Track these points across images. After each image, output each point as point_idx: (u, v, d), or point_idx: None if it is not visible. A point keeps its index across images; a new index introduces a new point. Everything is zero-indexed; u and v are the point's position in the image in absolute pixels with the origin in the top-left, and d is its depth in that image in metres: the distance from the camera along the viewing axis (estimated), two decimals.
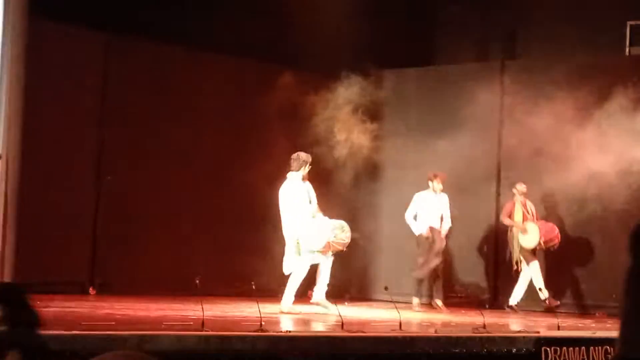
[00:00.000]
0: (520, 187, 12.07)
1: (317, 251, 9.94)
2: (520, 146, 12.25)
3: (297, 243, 10.01)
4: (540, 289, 11.56)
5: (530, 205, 12.14)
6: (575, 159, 11.84)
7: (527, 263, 11.88)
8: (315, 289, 10.06)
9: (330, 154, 13.29)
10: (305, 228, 10.00)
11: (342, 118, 13.67)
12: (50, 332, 6.09)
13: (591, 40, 12.51)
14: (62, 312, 8.65)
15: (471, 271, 13.04)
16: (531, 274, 11.84)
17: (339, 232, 9.99)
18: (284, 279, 12.23)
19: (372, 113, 14.03)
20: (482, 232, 13.04)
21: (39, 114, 10.73)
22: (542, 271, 11.86)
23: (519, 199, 12.08)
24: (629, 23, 12.38)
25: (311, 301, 10.07)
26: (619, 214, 11.39)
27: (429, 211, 11.92)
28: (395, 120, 13.85)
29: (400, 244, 13.56)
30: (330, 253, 10.05)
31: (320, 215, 10.24)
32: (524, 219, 11.96)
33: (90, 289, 11.43)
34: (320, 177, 12.84)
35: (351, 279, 13.26)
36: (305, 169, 10.31)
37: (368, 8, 12.53)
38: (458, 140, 12.69)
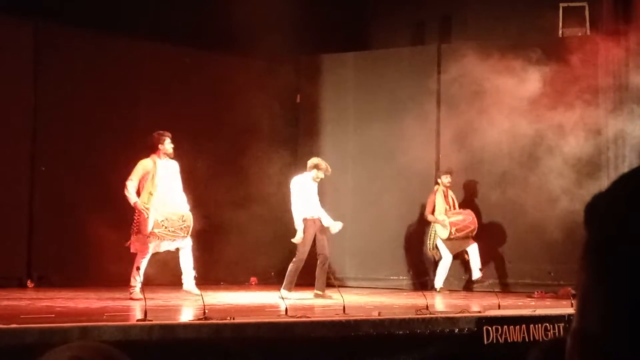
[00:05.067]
0: (445, 179, 12.25)
1: (147, 237, 9.57)
2: (458, 128, 12.37)
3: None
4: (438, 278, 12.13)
5: (451, 195, 12.35)
6: (511, 140, 12.00)
7: (446, 252, 12.18)
8: (183, 277, 9.77)
9: (267, 140, 13.29)
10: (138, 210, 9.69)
11: (280, 103, 13.67)
12: None
13: (525, 23, 12.67)
14: (0, 306, 8.49)
15: (414, 254, 13.13)
16: (446, 262, 12.18)
17: (175, 222, 9.61)
18: (228, 267, 12.19)
19: (309, 98, 14.05)
20: (423, 214, 13.14)
21: None
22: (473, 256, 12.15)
23: (441, 190, 12.26)
24: (561, 5, 12.57)
25: (183, 288, 9.76)
26: (555, 196, 11.59)
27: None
28: (333, 105, 13.86)
29: (341, 230, 13.61)
30: (184, 240, 9.73)
31: (177, 196, 9.88)
32: (446, 210, 12.18)
33: (28, 282, 11.24)
34: (256, 163, 12.84)
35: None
36: (162, 148, 9.90)
37: None
38: (396, 123, 12.77)
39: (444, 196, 12.27)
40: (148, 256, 9.72)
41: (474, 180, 12.75)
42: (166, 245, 9.79)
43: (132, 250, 9.80)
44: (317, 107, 13.95)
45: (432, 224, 12.30)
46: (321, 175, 10.62)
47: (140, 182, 9.82)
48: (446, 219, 12.14)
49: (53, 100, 11.62)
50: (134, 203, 9.72)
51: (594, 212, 1.07)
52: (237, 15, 11.64)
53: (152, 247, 9.71)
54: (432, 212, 12.28)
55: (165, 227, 9.64)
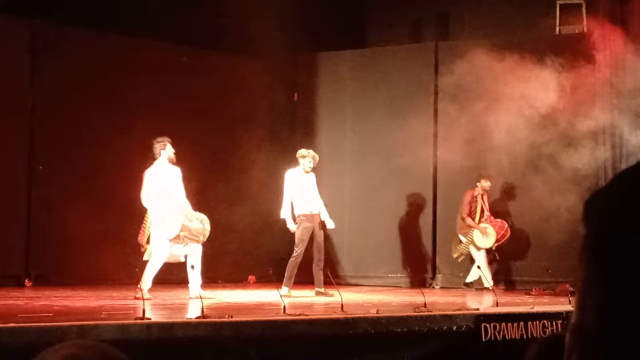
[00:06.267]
0: (485, 183, 12.03)
1: (170, 240, 9.55)
2: (455, 125, 12.37)
3: (150, 229, 9.66)
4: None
5: (485, 200, 12.14)
6: (509, 137, 12.00)
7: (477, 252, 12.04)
8: (190, 284, 9.70)
9: (264, 137, 13.28)
10: (160, 215, 9.61)
11: (278, 101, 13.67)
12: None
13: (522, 20, 12.68)
14: None
15: (412, 251, 13.14)
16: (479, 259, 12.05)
17: (195, 224, 9.62)
18: (226, 265, 12.14)
19: (306, 96, 14.05)
20: (420, 212, 13.15)
21: None
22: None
23: (479, 192, 12.05)
24: (558, 2, 12.58)
25: (190, 296, 9.63)
26: (554, 194, 11.60)
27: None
28: (330, 102, 13.86)
29: (339, 228, 13.61)
30: (196, 245, 9.73)
31: (184, 203, 9.86)
32: (482, 215, 11.98)
33: (26, 281, 11.23)
34: (253, 160, 12.85)
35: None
36: (164, 153, 9.86)
37: None
38: (393, 121, 12.76)
39: (481, 199, 12.02)
40: (162, 262, 9.69)
41: (472, 177, 12.72)
42: (179, 250, 9.75)
43: (145, 258, 9.75)
44: (314, 104, 13.95)
45: (467, 229, 11.93)
46: (307, 163, 10.56)
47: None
48: (489, 227, 11.86)
49: (50, 99, 11.61)
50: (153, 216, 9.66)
51: (593, 208, 1.07)
52: (235, 13, 11.63)
53: (168, 253, 9.66)
54: (470, 215, 11.93)
55: (190, 230, 9.64)
